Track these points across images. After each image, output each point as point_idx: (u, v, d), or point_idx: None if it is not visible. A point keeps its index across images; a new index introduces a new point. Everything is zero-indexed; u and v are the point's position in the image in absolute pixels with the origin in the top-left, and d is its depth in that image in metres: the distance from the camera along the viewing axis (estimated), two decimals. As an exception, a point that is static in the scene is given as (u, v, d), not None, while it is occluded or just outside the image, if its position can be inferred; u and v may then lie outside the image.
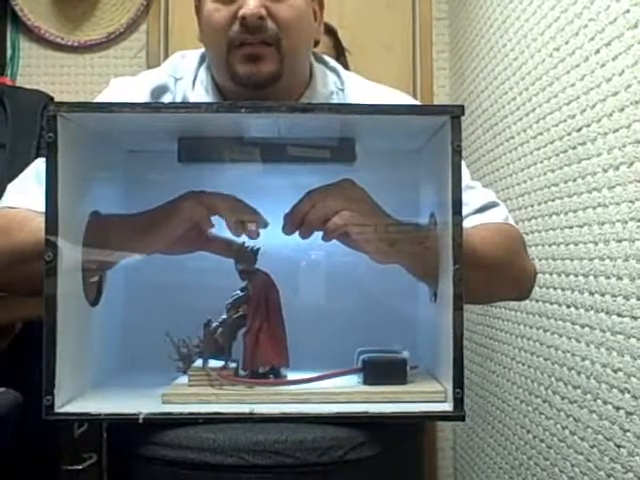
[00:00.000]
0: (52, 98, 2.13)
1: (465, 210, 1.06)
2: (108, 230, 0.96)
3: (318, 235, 0.98)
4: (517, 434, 1.91)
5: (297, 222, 0.96)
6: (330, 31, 2.29)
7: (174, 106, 0.93)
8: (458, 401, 0.87)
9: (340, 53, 2.41)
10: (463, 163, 0.97)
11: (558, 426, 1.59)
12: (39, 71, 2.90)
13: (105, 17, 2.90)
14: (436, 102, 2.92)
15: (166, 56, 2.90)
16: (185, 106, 0.92)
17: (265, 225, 0.97)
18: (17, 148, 1.98)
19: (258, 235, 0.96)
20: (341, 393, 0.92)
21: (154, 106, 0.92)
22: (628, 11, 1.25)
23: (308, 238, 0.96)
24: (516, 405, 1.92)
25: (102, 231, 0.96)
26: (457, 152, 0.88)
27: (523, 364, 1.85)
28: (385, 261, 0.97)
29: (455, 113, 0.88)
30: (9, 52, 2.86)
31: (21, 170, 1.18)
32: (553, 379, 1.62)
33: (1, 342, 1.52)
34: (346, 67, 2.44)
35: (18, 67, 2.87)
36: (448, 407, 0.89)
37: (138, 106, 0.87)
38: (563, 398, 1.56)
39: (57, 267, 0.85)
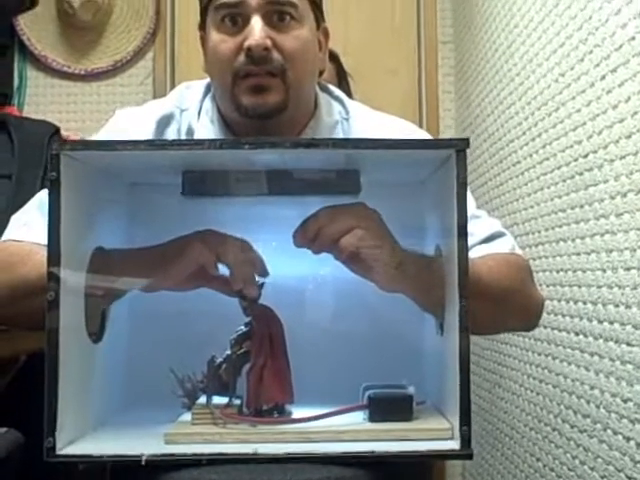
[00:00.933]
0: (58, 129, 2.13)
1: (471, 240, 1.05)
2: (112, 266, 0.96)
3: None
4: (527, 462, 1.89)
5: (310, 235, 0.94)
6: (332, 57, 2.29)
7: (178, 143, 0.93)
8: (465, 439, 0.85)
9: (342, 78, 2.42)
10: (468, 191, 0.96)
11: (568, 455, 1.57)
12: (46, 100, 2.92)
13: (112, 45, 2.92)
14: (442, 126, 2.92)
15: (172, 83, 2.92)
16: (189, 143, 0.92)
17: (266, 275, 0.96)
18: (23, 179, 1.99)
19: (259, 296, 0.96)
20: (346, 431, 0.90)
21: (157, 144, 0.92)
22: (634, 38, 1.24)
23: (319, 254, 0.95)
24: (525, 432, 1.89)
25: (106, 267, 0.95)
26: (462, 186, 0.87)
27: (532, 391, 1.83)
28: (392, 288, 0.96)
29: (460, 147, 0.87)
30: (16, 81, 2.88)
31: (26, 201, 1.18)
32: (562, 407, 1.60)
33: (4, 376, 1.52)
34: (349, 93, 2.44)
35: (25, 96, 2.89)
36: (455, 445, 0.87)
37: (141, 143, 0.87)
38: (573, 427, 1.54)
39: (59, 305, 0.84)
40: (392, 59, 2.98)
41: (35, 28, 2.86)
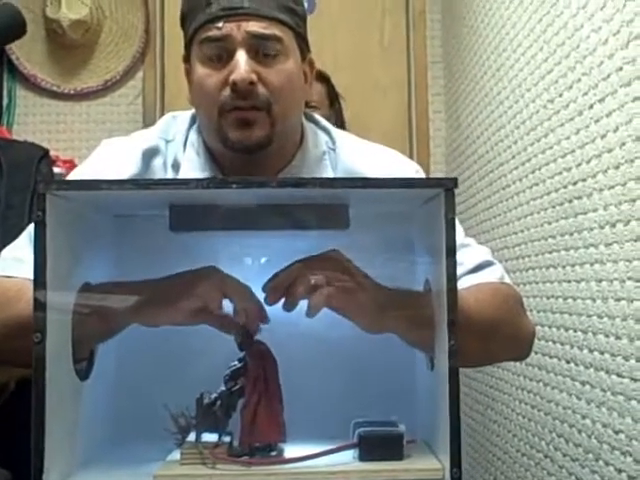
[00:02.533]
0: (47, 151, 2.12)
1: (459, 270, 1.04)
2: (102, 303, 0.95)
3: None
4: (519, 486, 1.88)
5: (279, 292, 0.94)
6: (323, 78, 2.29)
7: (164, 183, 0.92)
8: (456, 481, 0.85)
9: (334, 100, 2.42)
10: (457, 220, 0.96)
11: (560, 483, 1.57)
12: (35, 119, 2.91)
13: (101, 65, 2.92)
14: (432, 145, 2.93)
15: (162, 102, 2.92)
16: (174, 183, 0.91)
17: (266, 321, 0.96)
18: (11, 202, 1.98)
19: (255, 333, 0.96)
20: (337, 472, 0.89)
21: (143, 183, 0.91)
22: (621, 69, 1.25)
23: (292, 311, 0.95)
24: (517, 458, 1.89)
25: (94, 305, 0.94)
26: (450, 223, 0.87)
27: (524, 416, 1.83)
28: (375, 331, 0.96)
29: (448, 186, 0.87)
30: (5, 101, 2.88)
31: (15, 224, 1.17)
32: (554, 435, 1.60)
33: (-5, 401, 1.50)
34: (341, 114, 2.44)
35: (14, 115, 2.89)
36: (446, 487, 0.86)
37: (127, 183, 0.87)
38: (565, 455, 1.53)
39: (45, 348, 0.84)
40: (382, 78, 2.99)
41: (24, 47, 2.85)
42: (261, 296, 0.96)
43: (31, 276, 0.98)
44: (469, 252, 1.14)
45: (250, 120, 1.10)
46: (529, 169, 1.77)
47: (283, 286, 0.94)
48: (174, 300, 0.94)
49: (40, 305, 0.84)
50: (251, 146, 1.10)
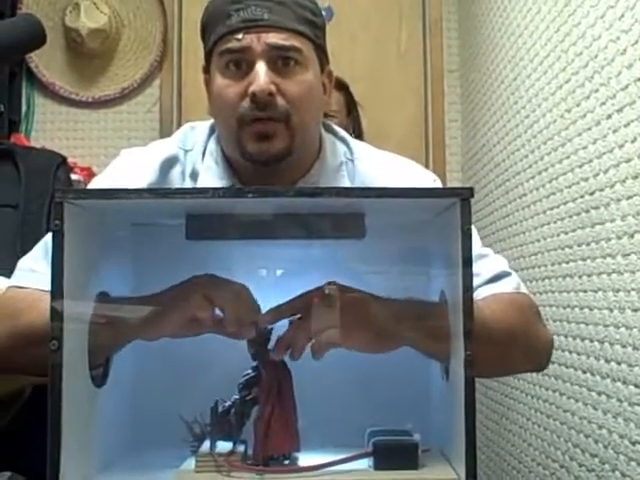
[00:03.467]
0: (65, 159, 2.14)
1: (476, 281, 1.04)
2: (114, 314, 0.96)
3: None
4: (534, 497, 1.87)
5: (285, 348, 0.95)
6: (342, 86, 2.29)
7: (181, 192, 0.92)
8: (471, 492, 0.84)
9: (353, 108, 2.42)
10: (474, 230, 0.96)
11: (576, 493, 1.56)
12: (53, 127, 2.93)
13: (119, 73, 2.94)
14: (448, 153, 2.92)
15: (179, 110, 2.93)
16: (192, 192, 0.92)
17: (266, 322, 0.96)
18: (29, 209, 1.99)
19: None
20: (352, 481, 0.89)
21: (160, 192, 0.91)
22: None
23: (299, 359, 0.95)
24: (532, 467, 1.88)
25: (109, 315, 0.95)
26: (467, 234, 0.87)
27: (539, 426, 1.82)
28: (389, 349, 0.97)
29: (464, 196, 0.87)
30: (24, 108, 2.90)
31: (33, 231, 1.18)
32: (570, 445, 1.59)
33: (7, 412, 1.51)
34: (359, 123, 2.44)
35: (33, 123, 2.91)
36: (461, 497, 0.86)
37: (144, 192, 0.87)
38: (581, 465, 1.52)
39: (62, 356, 0.84)
40: (398, 87, 2.99)
41: (43, 56, 2.87)
42: (269, 296, 0.96)
43: (44, 287, 1.00)
44: (486, 263, 1.14)
45: (269, 133, 1.10)
46: (546, 178, 1.76)
47: (286, 344, 0.94)
48: (164, 314, 0.94)
49: (57, 313, 0.85)
50: (270, 158, 1.11)
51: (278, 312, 0.95)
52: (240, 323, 0.94)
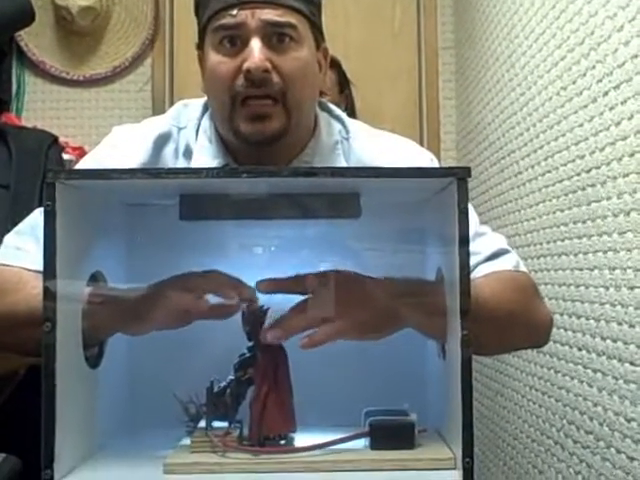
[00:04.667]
0: (57, 138, 2.12)
1: (475, 259, 1.04)
2: (106, 304, 0.95)
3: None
4: (529, 473, 1.88)
5: (278, 332, 0.94)
6: (334, 64, 2.27)
7: (175, 172, 0.91)
8: (467, 471, 0.84)
9: (345, 87, 2.41)
10: (471, 208, 0.95)
11: (571, 470, 1.56)
12: (44, 106, 2.91)
13: (110, 51, 2.91)
14: (442, 132, 2.91)
15: (171, 89, 2.91)
16: (186, 172, 0.91)
17: (251, 296, 0.95)
18: (20, 189, 1.98)
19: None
20: (348, 461, 0.89)
21: (154, 172, 0.90)
22: (636, 56, 1.23)
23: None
24: (527, 444, 1.89)
25: (100, 303, 0.94)
26: (463, 214, 0.86)
27: (534, 403, 1.82)
28: (389, 333, 0.96)
29: (461, 175, 0.86)
30: (14, 87, 2.87)
31: (24, 210, 1.16)
32: (565, 422, 1.59)
33: (4, 390, 1.51)
34: (351, 100, 2.43)
35: (23, 102, 2.88)
36: (457, 476, 0.86)
37: (138, 172, 0.86)
38: (575, 442, 1.53)
39: (55, 337, 0.83)
40: (392, 64, 2.97)
41: (33, 34, 2.84)
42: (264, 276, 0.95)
43: (30, 266, 0.99)
44: (484, 241, 1.13)
45: (264, 114, 1.08)
46: (541, 156, 1.75)
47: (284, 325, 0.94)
48: (149, 314, 0.94)
49: (50, 294, 0.84)
50: (264, 140, 1.09)
51: (274, 283, 0.94)
52: (226, 298, 0.93)
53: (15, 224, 1.13)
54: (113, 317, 0.96)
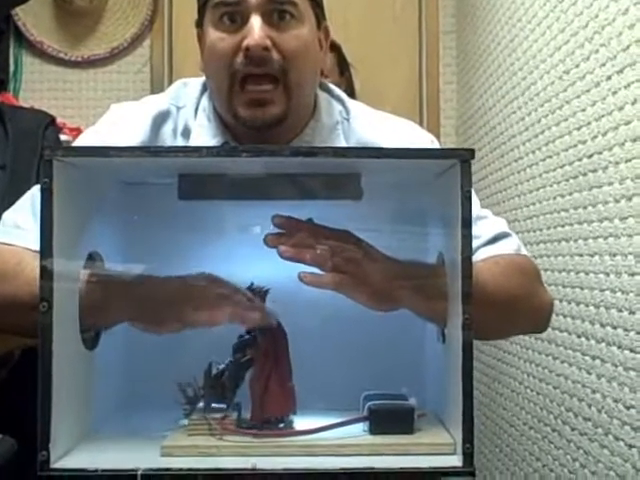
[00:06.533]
0: (54, 118, 2.09)
1: (476, 242, 1.03)
2: (110, 295, 0.94)
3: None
4: (526, 460, 1.88)
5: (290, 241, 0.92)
6: (333, 46, 2.26)
7: (174, 150, 0.90)
8: (468, 456, 0.84)
9: (345, 69, 2.39)
10: (473, 191, 0.94)
11: (568, 457, 1.56)
12: (42, 86, 2.88)
13: (109, 32, 2.89)
14: (442, 117, 2.89)
15: (170, 70, 2.89)
16: (185, 150, 0.89)
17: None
18: (17, 169, 1.96)
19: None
20: (347, 445, 0.88)
21: (153, 150, 0.89)
22: (641, 39, 1.22)
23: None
24: (524, 431, 1.88)
25: (101, 289, 0.93)
26: (467, 196, 0.85)
27: (532, 390, 1.82)
28: (386, 308, 0.95)
29: (465, 157, 0.85)
30: (12, 68, 2.85)
31: (21, 192, 1.15)
32: (563, 409, 1.59)
33: (0, 371, 1.50)
34: (351, 84, 2.41)
35: (21, 82, 2.86)
36: (457, 461, 0.86)
37: (136, 150, 0.85)
38: (573, 429, 1.53)
39: (52, 318, 0.82)
40: (393, 48, 2.95)
41: (31, 14, 2.82)
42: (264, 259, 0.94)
43: (30, 245, 0.98)
44: (486, 224, 1.12)
45: (264, 99, 1.07)
46: (542, 141, 1.74)
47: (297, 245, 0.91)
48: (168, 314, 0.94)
49: (47, 274, 0.83)
50: (264, 124, 1.08)
51: (288, 220, 0.92)
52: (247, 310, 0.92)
53: (12, 204, 1.12)
54: (122, 312, 0.94)
